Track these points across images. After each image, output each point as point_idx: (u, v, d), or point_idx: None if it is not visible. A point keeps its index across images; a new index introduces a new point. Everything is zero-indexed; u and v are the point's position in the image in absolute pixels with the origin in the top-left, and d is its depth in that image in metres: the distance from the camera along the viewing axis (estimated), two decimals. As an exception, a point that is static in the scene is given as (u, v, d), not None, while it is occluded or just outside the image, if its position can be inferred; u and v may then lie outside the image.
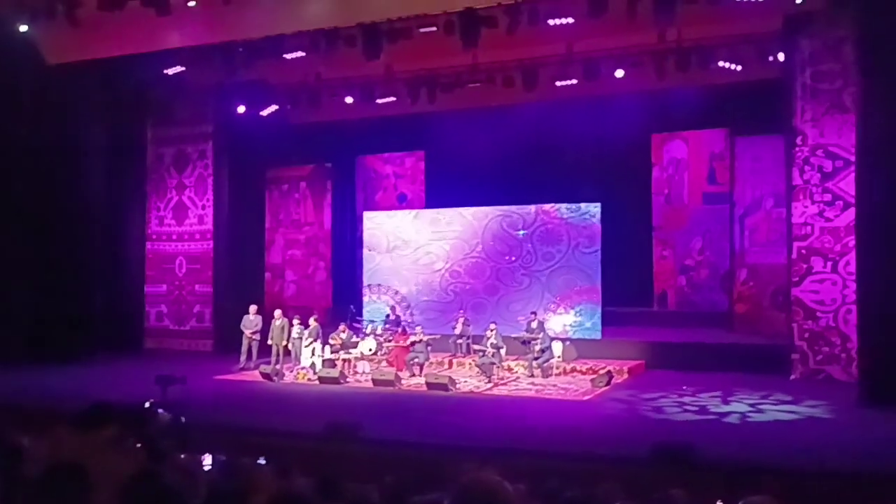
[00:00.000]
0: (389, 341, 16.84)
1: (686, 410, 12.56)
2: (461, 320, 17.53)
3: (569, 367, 16.00)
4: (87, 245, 18.43)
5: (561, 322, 17.84)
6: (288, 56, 16.06)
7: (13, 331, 16.80)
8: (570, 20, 14.06)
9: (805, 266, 14.83)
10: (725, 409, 12.52)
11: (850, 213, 14.00)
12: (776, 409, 12.38)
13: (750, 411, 12.26)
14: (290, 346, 16.49)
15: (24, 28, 14.97)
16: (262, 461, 6.08)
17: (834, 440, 10.41)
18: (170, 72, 17.34)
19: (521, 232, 18.49)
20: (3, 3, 14.72)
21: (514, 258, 18.65)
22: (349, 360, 16.14)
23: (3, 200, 16.94)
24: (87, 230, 18.40)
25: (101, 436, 5.02)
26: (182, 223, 20.37)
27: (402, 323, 17.97)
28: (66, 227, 17.67)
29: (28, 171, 17.25)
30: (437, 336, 17.14)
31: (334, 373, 15.29)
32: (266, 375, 15.51)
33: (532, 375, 15.45)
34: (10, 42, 15.14)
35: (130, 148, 20.23)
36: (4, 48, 15.24)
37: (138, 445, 5.86)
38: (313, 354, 15.89)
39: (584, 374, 15.56)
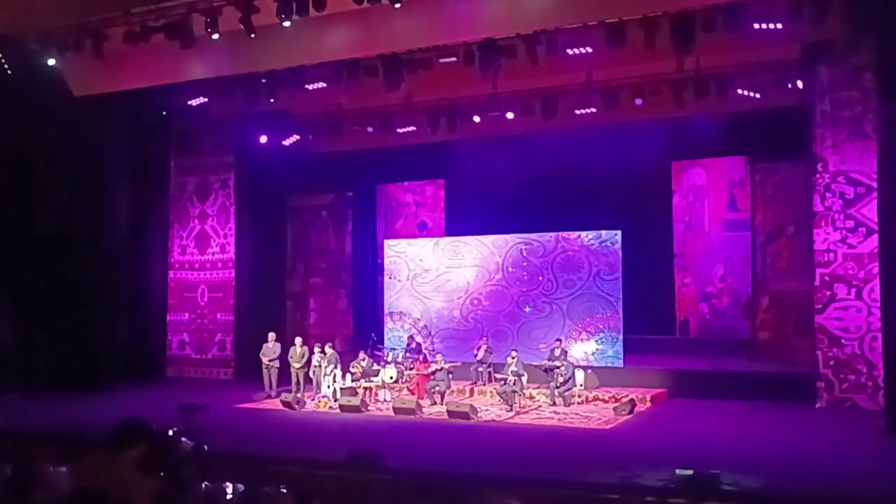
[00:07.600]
0: (410, 369, 16.83)
1: (711, 439, 12.44)
2: (483, 347, 17.49)
3: (591, 396, 15.91)
4: (110, 274, 18.59)
5: (582, 350, 17.78)
6: (310, 87, 16.30)
7: (36, 359, 16.94)
8: (589, 49, 14.15)
9: (828, 293, 14.71)
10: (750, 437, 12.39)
11: (874, 240, 13.91)
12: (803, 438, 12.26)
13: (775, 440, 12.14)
14: (311, 374, 16.55)
15: (52, 61, 15.27)
16: (283, 490, 6.10)
17: (861, 470, 10.26)
18: (193, 103, 17.59)
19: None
20: (33, 38, 15.02)
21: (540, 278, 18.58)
22: (370, 389, 16.13)
23: (27, 230, 17.15)
24: (110, 259, 18.57)
25: (129, 456, 5.04)
26: (204, 252, 20.54)
27: (423, 351, 17.96)
28: (90, 256, 17.83)
29: (52, 201, 17.49)
30: (458, 364, 17.14)
31: (355, 401, 15.29)
32: (287, 404, 15.53)
33: (554, 404, 15.36)
34: (38, 75, 15.45)
35: (154, 177, 20.49)
36: (33, 81, 15.55)
37: (161, 474, 5.90)
38: (335, 381, 15.92)
39: (606, 402, 15.48)
